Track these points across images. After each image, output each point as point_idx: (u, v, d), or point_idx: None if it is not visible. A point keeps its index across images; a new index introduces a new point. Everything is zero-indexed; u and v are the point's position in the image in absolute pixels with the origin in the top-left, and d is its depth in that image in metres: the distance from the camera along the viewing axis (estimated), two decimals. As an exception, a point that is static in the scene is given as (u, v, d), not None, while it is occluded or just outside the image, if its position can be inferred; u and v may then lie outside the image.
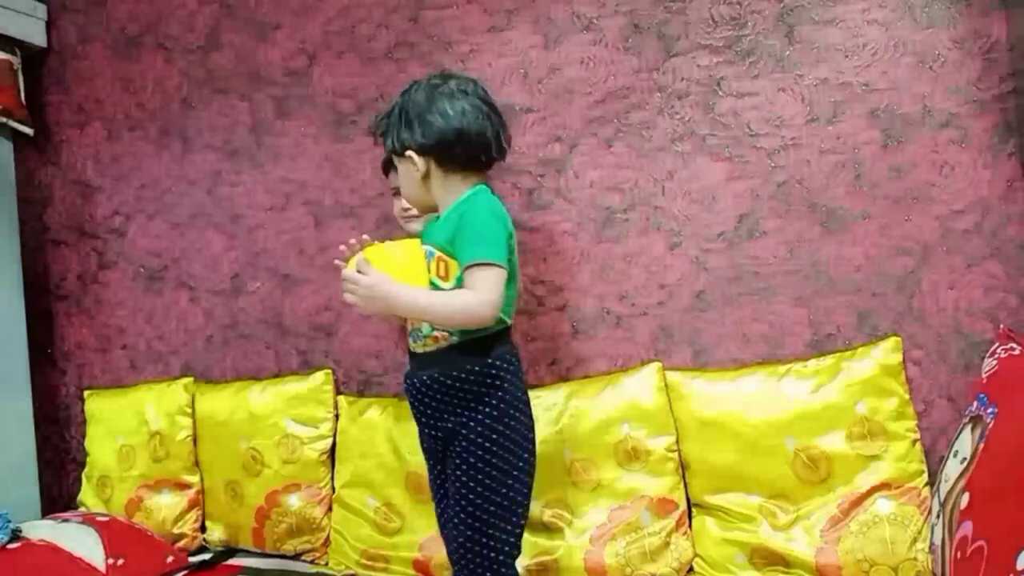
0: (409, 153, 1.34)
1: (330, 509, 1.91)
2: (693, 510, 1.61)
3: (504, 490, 1.28)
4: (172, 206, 2.27)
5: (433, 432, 1.35)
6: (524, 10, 1.83)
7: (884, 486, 1.45)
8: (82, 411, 2.28)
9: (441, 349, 1.33)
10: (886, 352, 1.50)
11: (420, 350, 1.37)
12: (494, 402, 1.30)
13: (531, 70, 1.83)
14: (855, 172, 1.59)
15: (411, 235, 1.58)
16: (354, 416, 1.91)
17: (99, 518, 1.97)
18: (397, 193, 1.69)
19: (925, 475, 1.47)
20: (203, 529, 2.08)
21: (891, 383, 1.49)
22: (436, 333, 1.33)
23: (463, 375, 1.30)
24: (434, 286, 1.32)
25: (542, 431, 1.56)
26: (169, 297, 2.28)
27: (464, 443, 1.29)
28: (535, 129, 1.82)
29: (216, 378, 2.18)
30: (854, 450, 1.47)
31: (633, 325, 1.74)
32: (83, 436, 2.25)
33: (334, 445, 1.93)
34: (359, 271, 1.30)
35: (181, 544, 2.02)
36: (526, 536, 1.46)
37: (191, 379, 2.17)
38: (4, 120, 2.22)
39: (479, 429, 1.29)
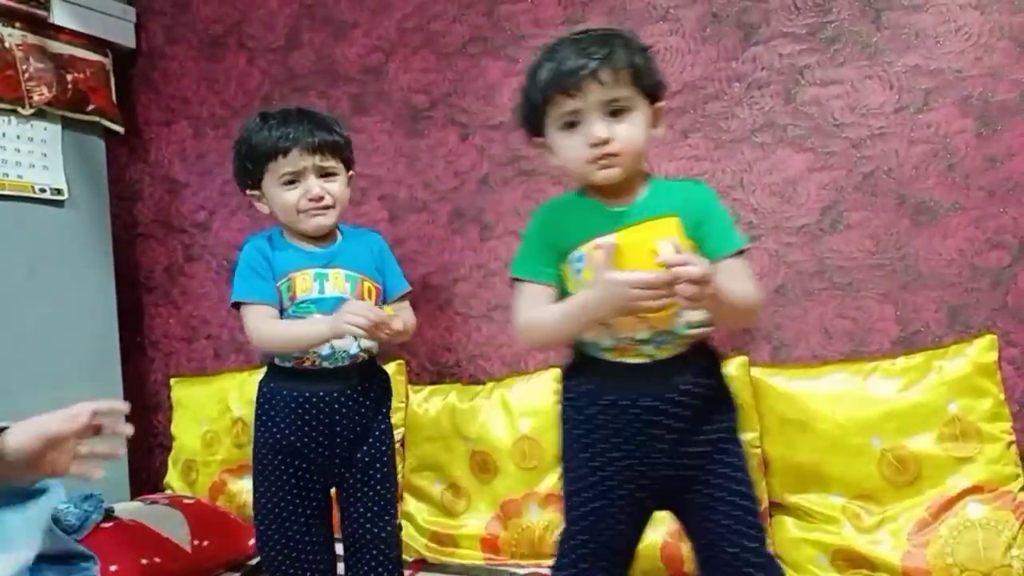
0: (660, 104, 1.13)
1: (401, 498, 1.95)
2: (772, 509, 1.58)
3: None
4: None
5: (688, 449, 1.08)
6: (599, 1, 1.82)
7: (976, 489, 1.40)
8: (169, 398, 2.37)
9: (692, 349, 1.10)
10: (980, 350, 1.44)
11: (665, 355, 1.08)
12: (734, 396, 1.15)
13: (606, 62, 1.81)
14: (947, 162, 1.52)
15: None
16: (418, 401, 1.95)
17: (185, 501, 2.05)
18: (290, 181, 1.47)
19: (1021, 479, 1.41)
20: (282, 514, 2.14)
21: (985, 383, 1.43)
22: (693, 331, 1.10)
23: (722, 372, 1.14)
24: None
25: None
26: (250, 289, 2.35)
27: (729, 445, 1.10)
28: (610, 122, 1.80)
29: (294, 368, 2.24)
30: (945, 451, 1.42)
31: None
32: (170, 422, 2.34)
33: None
34: (688, 263, 0.92)
35: (261, 528, 2.08)
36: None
37: (271, 368, 2.23)
38: (97, 119, 2.32)
39: (738, 424, 1.13)
